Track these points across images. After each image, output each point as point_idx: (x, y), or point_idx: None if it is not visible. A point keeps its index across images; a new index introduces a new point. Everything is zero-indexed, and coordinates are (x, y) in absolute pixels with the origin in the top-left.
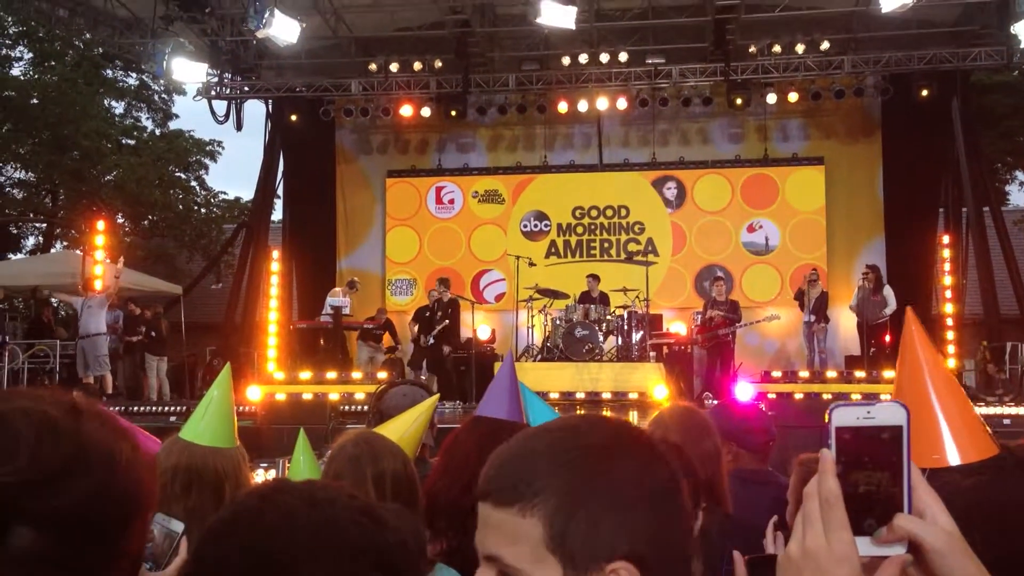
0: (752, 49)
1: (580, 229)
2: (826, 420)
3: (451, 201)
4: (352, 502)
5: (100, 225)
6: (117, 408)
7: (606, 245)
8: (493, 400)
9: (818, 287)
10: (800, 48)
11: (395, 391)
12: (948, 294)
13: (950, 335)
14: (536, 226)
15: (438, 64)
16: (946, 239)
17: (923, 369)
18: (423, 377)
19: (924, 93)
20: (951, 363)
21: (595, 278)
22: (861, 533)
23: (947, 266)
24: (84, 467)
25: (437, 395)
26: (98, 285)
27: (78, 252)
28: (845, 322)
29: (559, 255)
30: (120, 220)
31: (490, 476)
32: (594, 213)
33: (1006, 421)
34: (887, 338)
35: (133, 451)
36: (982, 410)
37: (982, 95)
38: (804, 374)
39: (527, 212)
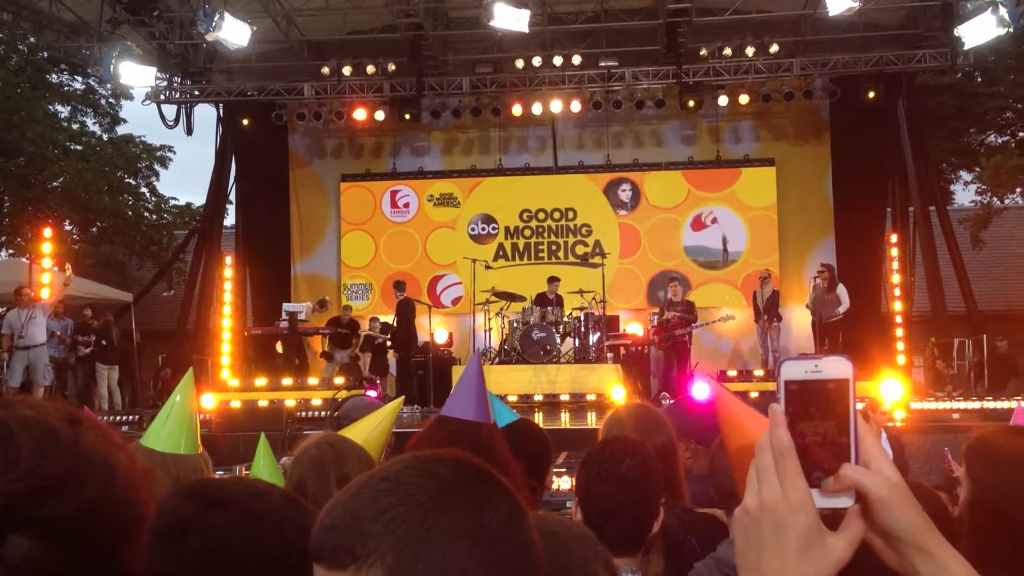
0: (703, 52)
1: (528, 232)
2: (771, 385)
3: (406, 205)
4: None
5: (47, 232)
6: None
7: (554, 248)
8: (459, 400)
9: (769, 286)
10: (750, 51)
11: (353, 399)
12: (897, 292)
13: (899, 332)
14: (484, 229)
15: (391, 67)
16: (894, 238)
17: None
18: (377, 382)
19: (871, 95)
20: (900, 360)
21: (555, 280)
22: (811, 485)
23: (895, 264)
24: (83, 478)
25: (403, 397)
26: (44, 294)
27: (24, 260)
28: (799, 321)
29: (507, 258)
30: (68, 227)
31: (320, 537)
32: (541, 216)
33: (955, 415)
34: (840, 336)
35: (130, 463)
36: (932, 405)
37: (927, 97)
38: (759, 373)
39: (475, 215)
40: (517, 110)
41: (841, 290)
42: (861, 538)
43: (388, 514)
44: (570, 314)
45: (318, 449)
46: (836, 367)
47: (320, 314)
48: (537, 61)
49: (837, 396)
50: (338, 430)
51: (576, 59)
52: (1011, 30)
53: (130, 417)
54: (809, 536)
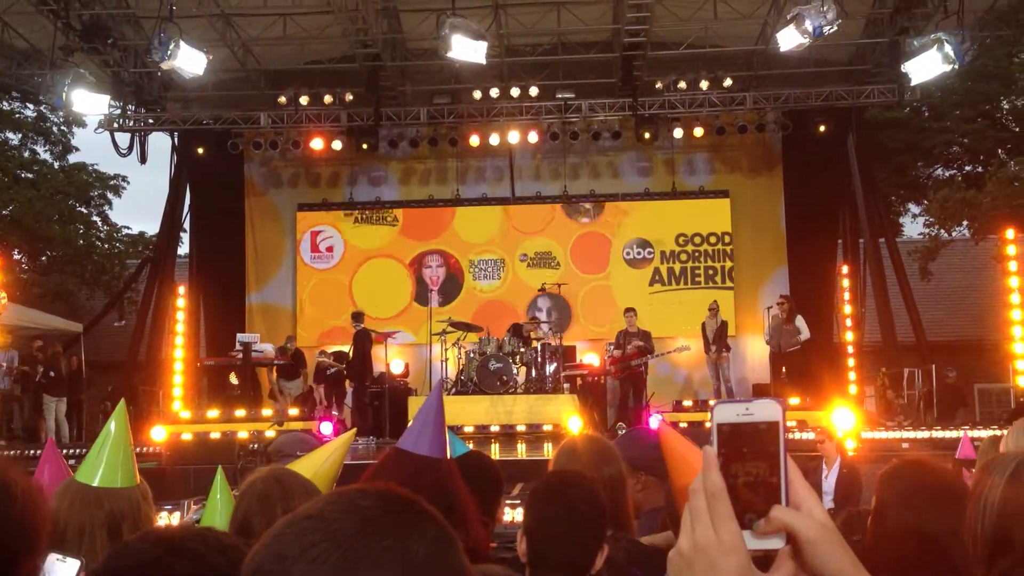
0: (659, 85)
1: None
2: (707, 418)
3: (329, 249)
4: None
5: None
6: (14, 452)
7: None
8: (418, 434)
9: (718, 318)
10: (704, 84)
11: (284, 435)
12: (848, 323)
13: (851, 362)
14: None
15: (349, 97)
16: (845, 269)
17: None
18: (334, 413)
19: (822, 129)
20: (852, 389)
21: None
22: (743, 527)
23: (846, 295)
24: None
25: (354, 430)
26: None
27: None
28: (753, 350)
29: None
30: (17, 256)
31: None
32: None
33: (905, 445)
34: (796, 366)
35: (27, 486)
36: (882, 435)
37: (877, 131)
38: (713, 403)
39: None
40: (475, 140)
41: (800, 321)
42: None
43: (312, 551)
44: (529, 344)
45: (264, 484)
46: (767, 410)
47: (283, 356)
48: (495, 92)
49: (768, 438)
50: (268, 462)
51: (533, 91)
52: (956, 67)
53: (77, 450)
54: None
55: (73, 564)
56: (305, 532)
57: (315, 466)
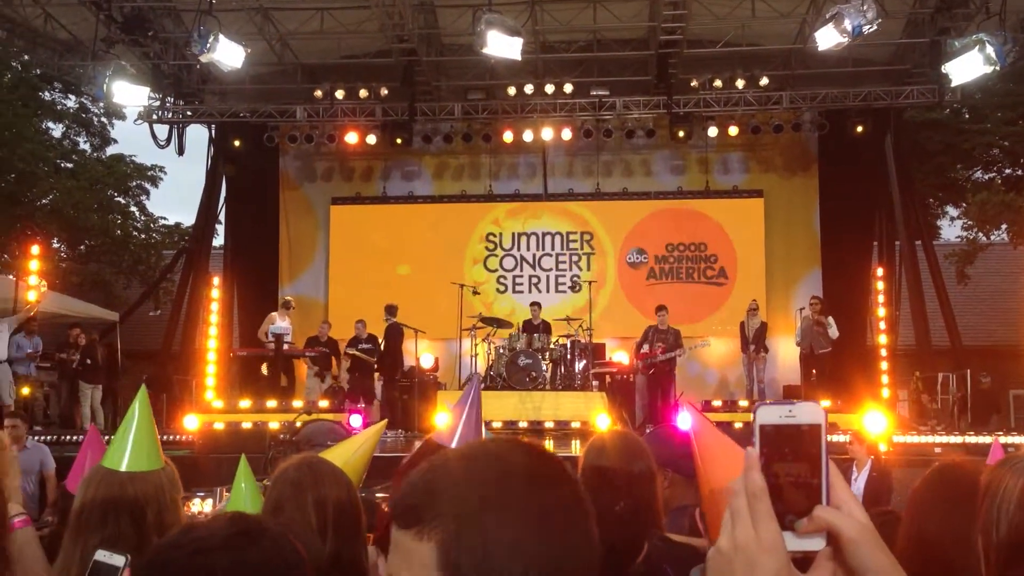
0: (694, 83)
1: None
2: (751, 419)
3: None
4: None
5: (34, 250)
6: (50, 437)
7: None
8: (455, 430)
9: (757, 318)
10: (740, 83)
11: (313, 424)
12: (882, 325)
13: (884, 365)
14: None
15: (384, 92)
16: (880, 271)
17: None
18: (361, 406)
19: (859, 129)
20: (885, 393)
21: (537, 305)
22: (784, 528)
23: (881, 298)
24: None
25: (385, 421)
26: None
27: (11, 277)
28: (784, 352)
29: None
30: (56, 245)
31: (396, 499)
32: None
33: (937, 449)
34: (827, 368)
35: None
36: (914, 439)
37: (915, 132)
38: (744, 403)
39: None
40: (508, 137)
41: (830, 321)
42: None
43: (454, 490)
44: (556, 341)
45: (297, 471)
46: (810, 412)
47: (290, 314)
48: (529, 89)
49: (810, 440)
50: (299, 451)
51: (568, 87)
52: (997, 68)
53: (112, 437)
54: None
55: (119, 559)
56: (464, 466)
57: (346, 456)
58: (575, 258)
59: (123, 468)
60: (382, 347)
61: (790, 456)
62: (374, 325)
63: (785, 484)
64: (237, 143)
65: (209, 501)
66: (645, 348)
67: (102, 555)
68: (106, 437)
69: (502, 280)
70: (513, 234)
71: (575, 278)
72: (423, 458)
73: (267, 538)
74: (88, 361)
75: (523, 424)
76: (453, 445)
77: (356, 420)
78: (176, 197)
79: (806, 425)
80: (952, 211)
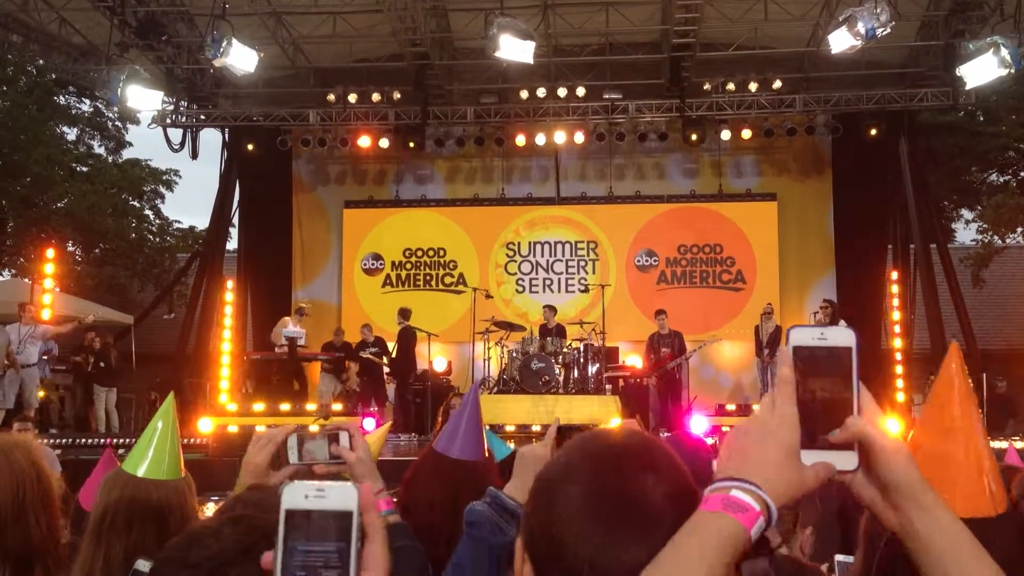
0: (707, 86)
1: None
2: (784, 341)
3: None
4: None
5: (49, 253)
6: (64, 440)
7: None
8: (455, 437)
9: (772, 321)
10: (753, 86)
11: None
12: (897, 329)
13: (899, 369)
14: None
15: (396, 96)
16: (894, 275)
17: (950, 411)
18: (373, 409)
19: (873, 132)
20: (900, 397)
21: (551, 309)
22: (816, 447)
23: (895, 301)
24: None
25: (388, 424)
26: (45, 315)
27: (26, 280)
28: None
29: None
30: (71, 248)
31: None
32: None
33: None
34: None
35: None
36: None
37: (929, 135)
38: (757, 407)
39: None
40: (521, 140)
41: (842, 325)
42: (828, 476)
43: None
44: (569, 345)
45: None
46: (841, 336)
47: (303, 321)
48: (541, 92)
49: (842, 362)
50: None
51: (580, 91)
52: (1012, 71)
53: (126, 440)
54: (788, 453)
55: (144, 565)
56: None
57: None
58: (582, 263)
59: (142, 474)
60: (394, 351)
61: (822, 376)
62: (388, 329)
63: (818, 404)
64: (250, 147)
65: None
66: (651, 356)
67: (143, 565)
68: (120, 441)
69: (520, 282)
70: (529, 243)
71: (583, 281)
72: (425, 466)
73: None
74: (102, 364)
75: (536, 428)
76: (455, 454)
77: (369, 423)
78: (190, 200)
79: (838, 347)
80: (967, 214)
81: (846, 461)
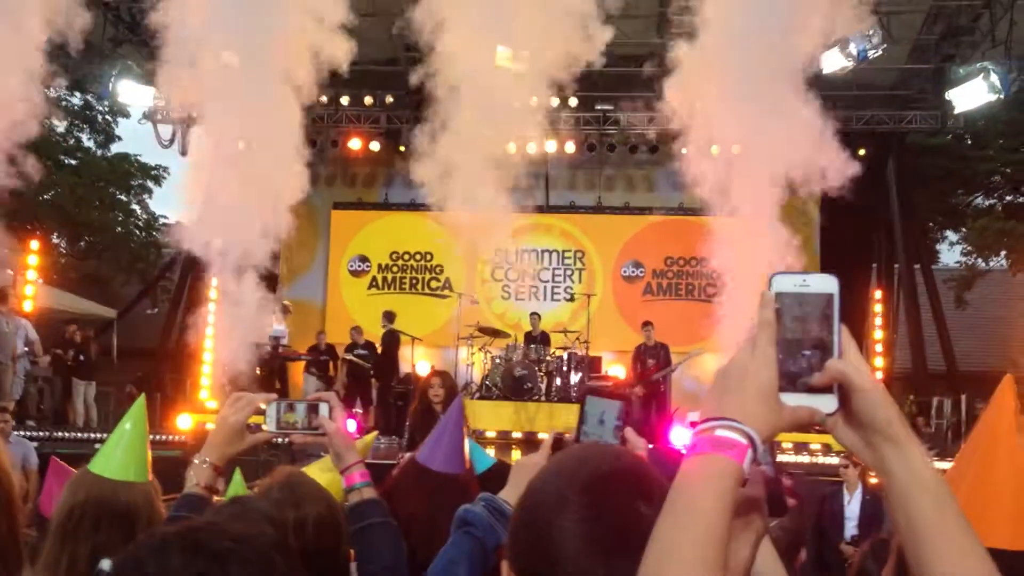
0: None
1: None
2: (767, 285)
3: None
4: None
5: (34, 244)
6: (42, 433)
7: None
8: (438, 449)
9: None
10: None
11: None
12: (879, 348)
13: None
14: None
15: (389, 99)
16: (878, 294)
17: (996, 441)
18: (357, 411)
19: (861, 152)
20: None
21: (537, 316)
22: (797, 390)
23: (878, 320)
24: None
25: (374, 433)
26: (27, 307)
27: (8, 272)
28: None
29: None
30: (55, 240)
31: None
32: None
33: None
34: None
35: None
36: None
37: (917, 156)
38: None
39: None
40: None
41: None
42: (807, 418)
43: None
44: (553, 353)
45: (279, 491)
46: (823, 282)
47: (287, 319)
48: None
49: (823, 307)
50: (293, 462)
51: (572, 101)
52: (1001, 96)
53: (105, 435)
54: (766, 391)
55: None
56: None
57: (333, 468)
58: (568, 272)
59: (110, 475)
60: (378, 352)
61: (804, 321)
62: (372, 331)
63: (799, 347)
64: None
65: None
66: (638, 368)
67: (106, 564)
68: (98, 435)
69: (506, 289)
70: (516, 250)
71: (568, 289)
72: (405, 478)
73: (235, 562)
74: (81, 357)
75: (517, 435)
76: (436, 467)
77: (351, 425)
78: (177, 195)
79: (820, 294)
80: (952, 236)
81: (826, 404)
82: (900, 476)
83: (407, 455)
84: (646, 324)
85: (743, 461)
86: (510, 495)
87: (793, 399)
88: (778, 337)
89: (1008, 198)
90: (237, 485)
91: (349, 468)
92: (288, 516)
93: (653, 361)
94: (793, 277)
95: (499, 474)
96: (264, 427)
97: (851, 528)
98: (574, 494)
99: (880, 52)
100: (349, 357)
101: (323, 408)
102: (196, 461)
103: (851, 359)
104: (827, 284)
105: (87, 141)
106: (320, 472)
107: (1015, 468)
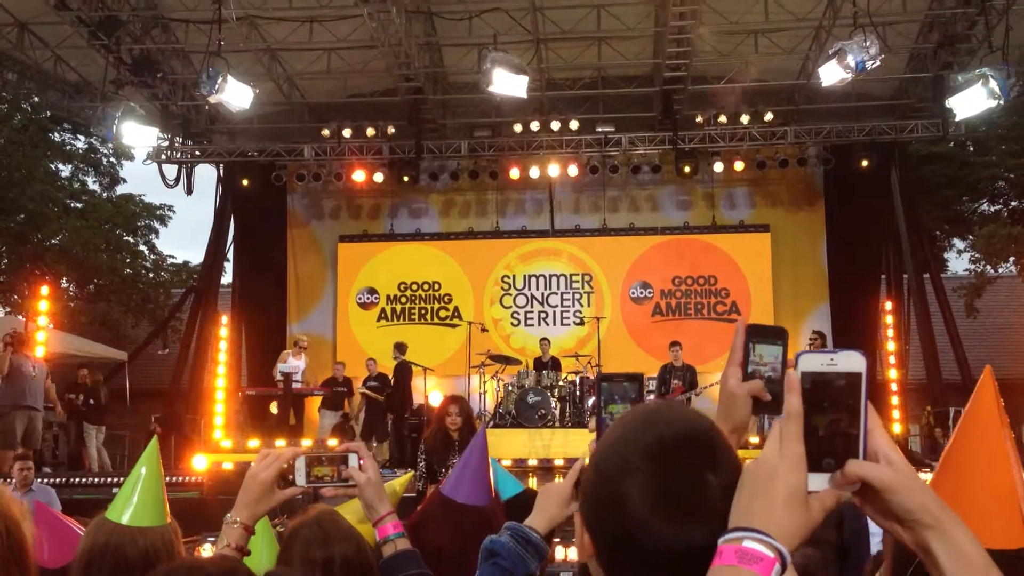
0: (699, 119)
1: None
2: (792, 366)
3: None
4: None
5: (44, 290)
6: (59, 479)
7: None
8: (464, 482)
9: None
10: (745, 119)
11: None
12: (892, 360)
13: (895, 400)
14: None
15: (391, 130)
16: (888, 305)
17: (981, 439)
18: (374, 446)
19: (864, 163)
20: (896, 428)
21: (547, 341)
22: (820, 470)
23: (890, 332)
24: None
25: (411, 473)
26: (39, 352)
27: (20, 318)
28: None
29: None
30: (64, 284)
31: None
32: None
33: None
34: None
35: None
36: (926, 475)
37: (920, 165)
38: (754, 439)
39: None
40: (515, 174)
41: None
42: (835, 504)
43: None
44: (565, 378)
45: (309, 529)
46: (851, 361)
47: (302, 353)
48: (535, 126)
49: (850, 390)
50: (316, 499)
51: (573, 124)
52: (1001, 102)
53: (121, 479)
54: (796, 497)
55: None
56: None
57: (362, 512)
58: (577, 296)
59: (127, 522)
60: (391, 385)
61: (831, 402)
62: (384, 363)
63: (824, 434)
64: (245, 182)
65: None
66: (662, 388)
67: None
68: (114, 479)
69: (515, 315)
70: (524, 276)
71: (578, 313)
72: (431, 511)
73: None
74: (91, 401)
75: (532, 462)
76: (461, 499)
77: (352, 460)
78: (185, 235)
79: (847, 374)
80: (959, 244)
81: (846, 492)
82: (944, 559)
83: (425, 484)
84: (674, 344)
85: None
86: (537, 522)
87: (818, 481)
88: (803, 418)
89: (1013, 203)
90: (263, 523)
91: (382, 520)
92: (316, 555)
93: (678, 382)
94: (820, 356)
95: (527, 501)
96: (294, 481)
97: (876, 544)
98: (640, 461)
99: (878, 63)
100: (363, 390)
101: (352, 459)
102: (227, 520)
103: (876, 446)
104: (854, 363)
105: (92, 184)
106: (354, 517)
107: (1003, 462)
